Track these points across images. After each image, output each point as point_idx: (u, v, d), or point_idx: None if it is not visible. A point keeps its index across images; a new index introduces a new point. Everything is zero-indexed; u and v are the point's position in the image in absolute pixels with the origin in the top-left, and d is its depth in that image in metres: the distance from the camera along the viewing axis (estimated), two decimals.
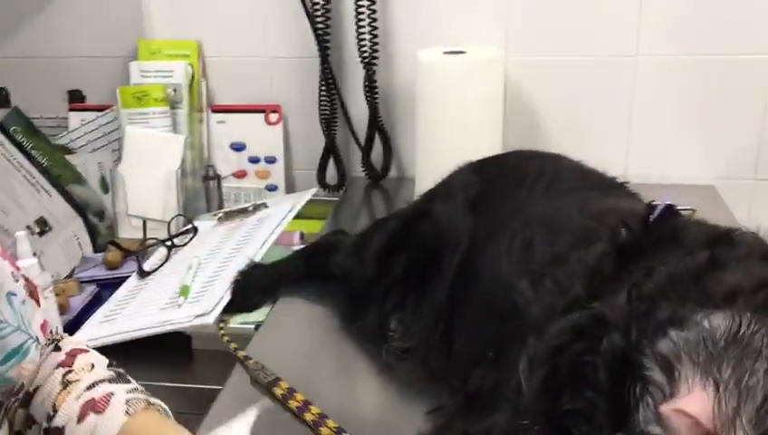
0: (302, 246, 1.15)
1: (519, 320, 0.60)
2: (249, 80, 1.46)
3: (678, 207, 0.63)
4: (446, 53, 1.27)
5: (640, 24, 1.32)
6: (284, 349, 0.93)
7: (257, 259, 1.10)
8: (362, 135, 1.44)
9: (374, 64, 1.37)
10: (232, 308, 1.02)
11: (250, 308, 1.03)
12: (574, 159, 0.93)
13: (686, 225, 0.62)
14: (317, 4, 1.35)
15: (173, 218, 1.31)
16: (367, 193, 1.46)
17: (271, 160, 1.49)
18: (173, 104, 1.41)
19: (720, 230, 0.60)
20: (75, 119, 1.50)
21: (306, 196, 1.31)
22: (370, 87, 1.38)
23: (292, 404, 0.77)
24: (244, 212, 1.33)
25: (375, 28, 1.34)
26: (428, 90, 1.27)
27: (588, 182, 0.82)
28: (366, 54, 1.36)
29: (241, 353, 0.88)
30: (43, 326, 0.63)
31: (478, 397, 0.63)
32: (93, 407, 0.61)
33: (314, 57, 1.39)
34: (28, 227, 1.45)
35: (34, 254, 1.03)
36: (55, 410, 0.62)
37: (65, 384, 0.63)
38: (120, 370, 0.66)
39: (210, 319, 0.99)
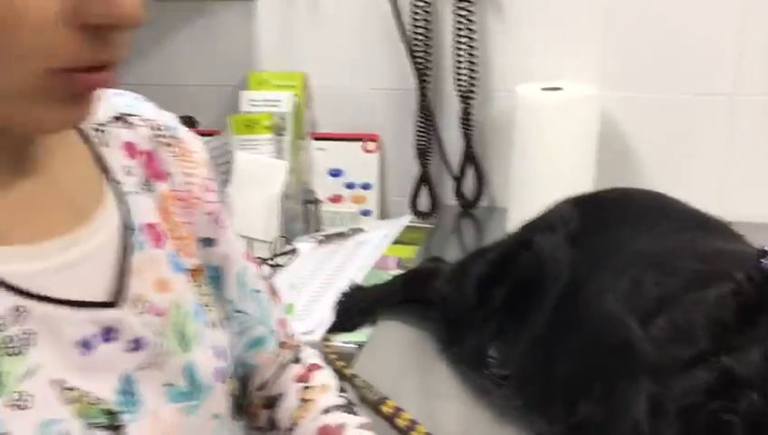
0: (401, 272, 1.20)
1: (629, 357, 0.63)
2: (349, 109, 1.53)
3: None
4: (543, 89, 1.31)
5: (739, 62, 1.32)
6: (386, 369, 0.98)
7: (358, 282, 1.16)
8: (455, 165, 1.49)
9: (471, 98, 1.42)
10: (335, 328, 1.08)
11: (352, 328, 1.09)
12: (675, 198, 0.95)
13: None
14: (417, 38, 1.41)
15: (276, 239, 1.38)
16: (457, 221, 1.51)
17: (366, 187, 1.55)
18: (278, 132, 1.50)
19: None
20: None
21: (402, 222, 1.36)
22: (466, 119, 1.43)
23: (400, 423, 0.81)
24: (342, 235, 1.40)
25: (473, 63, 1.39)
26: (525, 124, 1.31)
27: (693, 222, 0.84)
28: (463, 88, 1.41)
29: (349, 371, 0.93)
30: (281, 322, 0.72)
31: (585, 430, 0.66)
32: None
33: (412, 89, 1.45)
34: None
35: None
36: (293, 426, 0.67)
37: (303, 401, 0.68)
38: (350, 397, 0.70)
39: (316, 336, 1.05)
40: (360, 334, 1.08)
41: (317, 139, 1.56)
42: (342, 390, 0.71)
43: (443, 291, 1.04)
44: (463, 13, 1.37)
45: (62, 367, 0.47)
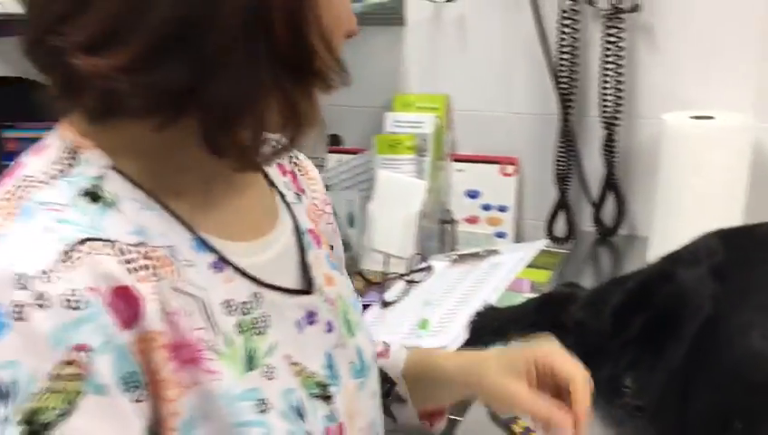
0: (534, 295, 1.20)
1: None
2: (490, 132, 1.56)
3: None
4: (692, 117, 1.28)
5: None
6: None
7: (491, 302, 1.18)
8: (595, 191, 1.47)
9: (616, 125, 1.40)
10: (467, 345, 1.10)
11: (484, 347, 1.10)
12: None
13: None
14: (563, 63, 1.42)
15: (412, 256, 1.42)
16: (594, 248, 1.49)
17: (502, 209, 1.57)
18: (420, 152, 1.55)
19: None
20: (332, 160, 1.70)
21: (538, 246, 1.37)
22: (609, 146, 1.42)
23: None
24: (476, 256, 1.42)
25: (620, 89, 1.38)
26: (672, 153, 1.28)
27: None
28: (608, 114, 1.40)
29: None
30: None
31: None
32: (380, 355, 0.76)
33: (554, 114, 1.46)
34: None
35: None
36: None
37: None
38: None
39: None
40: None
41: (456, 160, 1.60)
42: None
43: (578, 317, 1.03)
44: (612, 38, 1.36)
45: (288, 344, 0.57)
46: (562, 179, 1.48)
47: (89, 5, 0.45)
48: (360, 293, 1.41)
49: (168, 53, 0.46)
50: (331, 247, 0.73)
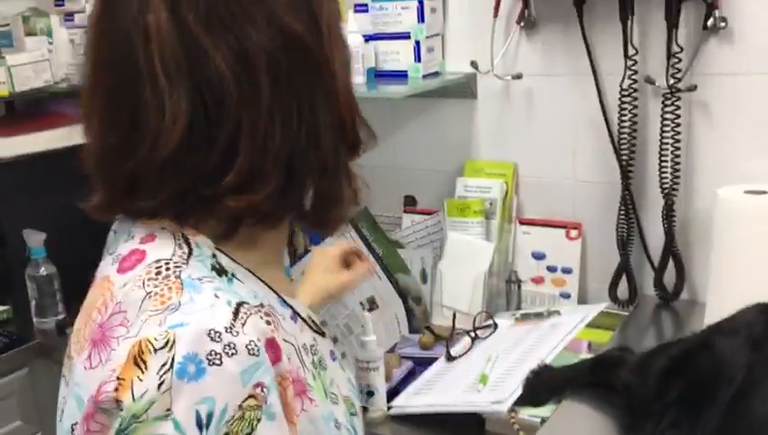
0: (590, 356, 1.28)
1: None
2: (555, 198, 1.66)
3: None
4: (746, 192, 1.34)
5: None
6: None
7: (548, 361, 1.27)
8: (656, 257, 1.54)
9: (674, 195, 1.48)
10: (523, 401, 1.19)
11: (538, 404, 1.19)
12: None
13: None
14: (623, 136, 1.51)
15: (479, 314, 1.53)
16: (656, 312, 1.55)
17: (567, 271, 1.65)
18: (488, 215, 1.66)
19: None
20: (407, 219, 1.83)
21: (598, 308, 1.45)
22: (668, 215, 1.49)
23: None
24: (539, 316, 1.51)
25: (677, 163, 1.46)
26: (726, 226, 1.34)
27: None
28: (666, 186, 1.48)
29: None
30: None
31: None
32: None
33: (616, 183, 1.54)
34: (361, 304, 1.78)
35: (373, 331, 1.31)
36: None
37: None
38: None
39: (505, 407, 1.17)
40: (545, 410, 1.18)
41: (523, 223, 1.70)
42: None
43: (626, 380, 1.11)
44: (669, 115, 1.45)
45: (334, 377, 0.72)
46: (624, 245, 1.56)
47: (233, 163, 0.60)
48: (428, 346, 1.52)
49: (294, 177, 0.63)
50: None
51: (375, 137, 0.72)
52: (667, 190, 1.48)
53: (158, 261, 0.61)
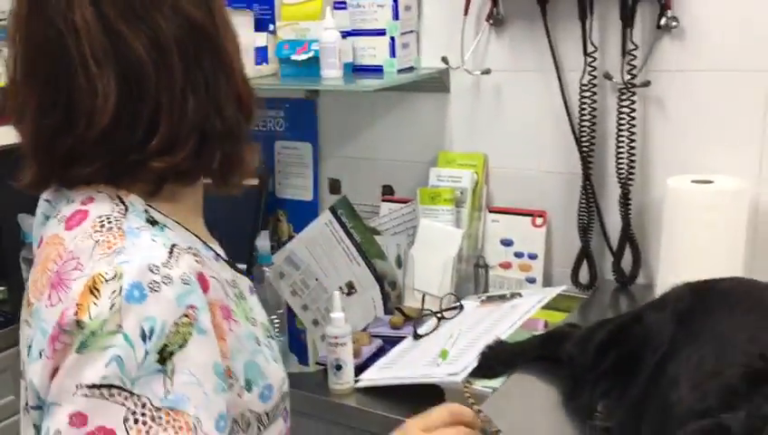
0: (541, 332, 1.37)
1: (672, 418, 0.78)
2: (522, 188, 1.75)
3: None
4: (693, 181, 1.43)
5: None
6: (510, 411, 1.16)
7: (503, 338, 1.36)
8: (615, 243, 1.63)
9: (630, 184, 1.57)
10: (477, 373, 1.29)
11: (491, 376, 1.29)
12: None
13: None
14: (584, 129, 1.60)
15: (445, 295, 1.62)
16: (614, 296, 1.64)
17: (533, 256, 1.74)
18: (458, 203, 1.75)
19: None
20: (385, 208, 1.92)
21: (555, 291, 1.54)
22: (624, 203, 1.58)
23: None
24: (502, 298, 1.60)
25: (633, 154, 1.55)
26: (674, 213, 1.43)
27: None
28: (623, 175, 1.57)
29: (476, 407, 1.13)
30: None
31: None
32: None
33: (578, 173, 1.63)
34: (340, 288, 1.87)
35: (342, 309, 1.40)
36: None
37: None
38: None
39: (459, 378, 1.26)
40: (498, 382, 1.27)
41: (492, 211, 1.79)
42: None
43: (570, 351, 1.20)
44: (625, 109, 1.54)
45: (253, 307, 0.84)
46: (585, 231, 1.65)
47: (156, 133, 0.73)
48: (398, 326, 1.61)
49: (205, 142, 0.76)
50: None
51: (264, 108, 0.86)
52: (623, 180, 1.57)
53: (100, 217, 0.73)
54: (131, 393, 0.66)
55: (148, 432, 0.65)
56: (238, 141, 0.81)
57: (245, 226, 1.95)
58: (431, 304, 1.63)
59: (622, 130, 1.55)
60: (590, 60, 1.56)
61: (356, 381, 1.40)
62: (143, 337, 0.66)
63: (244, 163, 0.83)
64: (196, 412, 0.68)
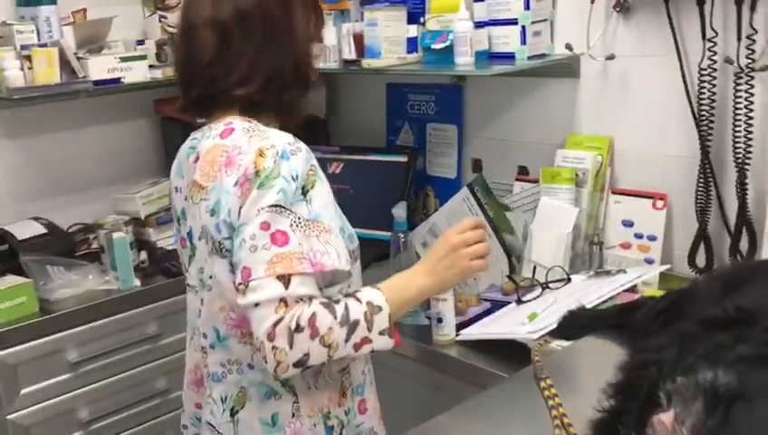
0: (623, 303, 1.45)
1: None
2: (645, 171, 1.79)
3: None
4: None
5: None
6: (568, 365, 1.28)
7: (589, 306, 1.45)
8: (733, 226, 1.63)
9: (746, 167, 1.56)
10: (555, 334, 1.40)
11: (569, 338, 1.39)
12: None
13: None
14: (703, 112, 1.62)
15: (552, 267, 1.72)
16: None
17: (652, 238, 1.78)
18: (579, 184, 1.84)
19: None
20: (518, 187, 2.05)
21: (656, 269, 1.59)
22: (741, 186, 1.58)
23: (545, 393, 1.13)
24: (608, 273, 1.67)
25: (749, 138, 1.54)
26: None
27: None
28: (740, 158, 1.57)
29: (536, 357, 1.26)
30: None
31: None
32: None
33: (698, 157, 1.65)
34: None
35: None
36: None
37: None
38: None
39: (534, 336, 1.39)
40: (572, 344, 1.38)
41: (615, 193, 1.85)
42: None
43: (638, 319, 1.28)
44: (741, 92, 1.54)
45: None
46: (702, 213, 1.66)
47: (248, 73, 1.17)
48: (508, 293, 1.76)
49: (270, 83, 1.18)
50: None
51: (321, 81, 1.12)
52: (740, 163, 1.57)
53: (243, 127, 1.16)
54: (291, 211, 1.08)
55: (304, 231, 1.08)
56: (292, 89, 1.20)
57: (392, 197, 2.17)
58: (539, 275, 1.75)
59: (739, 114, 1.55)
60: (709, 45, 1.57)
61: (457, 335, 1.58)
62: (293, 179, 1.09)
63: (298, 105, 1.24)
64: (329, 222, 1.11)
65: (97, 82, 2.07)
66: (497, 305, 1.71)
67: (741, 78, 1.53)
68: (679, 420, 0.68)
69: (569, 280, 1.70)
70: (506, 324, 1.53)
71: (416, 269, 1.24)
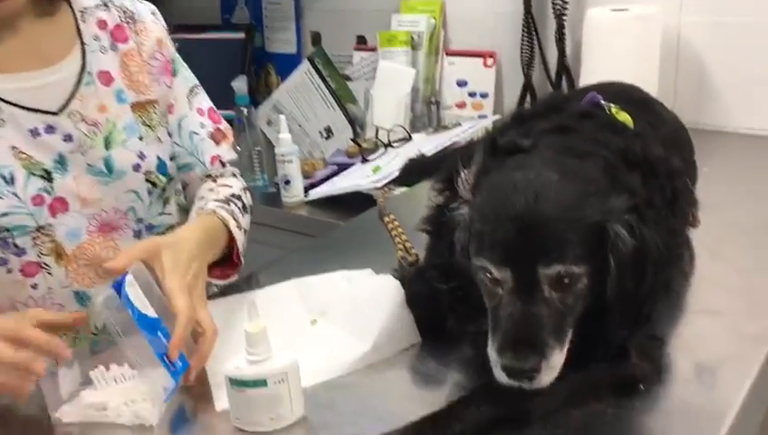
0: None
1: None
2: (475, 31, 1.87)
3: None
4: (612, 10, 1.53)
5: None
6: (410, 205, 1.36)
7: (428, 154, 1.53)
8: (554, 75, 1.75)
9: (564, 18, 1.67)
10: (398, 182, 1.48)
11: (409, 184, 1.47)
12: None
13: None
14: None
15: (393, 128, 1.78)
16: None
17: (484, 95, 1.88)
18: (414, 46, 1.89)
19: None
20: (357, 56, 2.07)
21: (486, 122, 1.69)
22: (560, 36, 1.69)
23: (390, 226, 1.20)
24: (446, 128, 1.76)
25: None
26: (591, 41, 1.54)
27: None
28: (558, 9, 1.67)
29: (380, 199, 1.33)
30: (214, 160, 1.10)
31: None
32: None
33: (522, 11, 1.74)
34: (320, 132, 2.07)
35: (290, 130, 1.60)
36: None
37: (200, 198, 1.07)
38: (240, 203, 1.08)
39: (379, 184, 1.46)
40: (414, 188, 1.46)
41: (449, 54, 1.92)
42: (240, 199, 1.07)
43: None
44: None
45: (18, 142, 0.93)
46: (527, 66, 1.77)
47: None
48: (353, 155, 1.80)
49: None
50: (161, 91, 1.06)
51: None
52: (558, 13, 1.67)
53: None
54: None
55: None
56: None
57: (231, 76, 2.12)
58: (382, 136, 1.81)
59: None
60: None
61: (306, 195, 1.62)
62: None
63: None
64: None
65: None
66: (343, 167, 1.75)
67: None
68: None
69: (410, 138, 1.77)
70: (352, 179, 1.58)
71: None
